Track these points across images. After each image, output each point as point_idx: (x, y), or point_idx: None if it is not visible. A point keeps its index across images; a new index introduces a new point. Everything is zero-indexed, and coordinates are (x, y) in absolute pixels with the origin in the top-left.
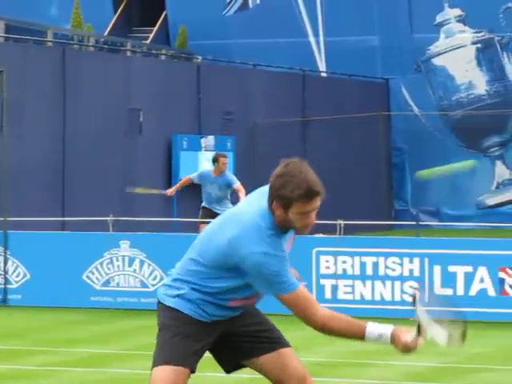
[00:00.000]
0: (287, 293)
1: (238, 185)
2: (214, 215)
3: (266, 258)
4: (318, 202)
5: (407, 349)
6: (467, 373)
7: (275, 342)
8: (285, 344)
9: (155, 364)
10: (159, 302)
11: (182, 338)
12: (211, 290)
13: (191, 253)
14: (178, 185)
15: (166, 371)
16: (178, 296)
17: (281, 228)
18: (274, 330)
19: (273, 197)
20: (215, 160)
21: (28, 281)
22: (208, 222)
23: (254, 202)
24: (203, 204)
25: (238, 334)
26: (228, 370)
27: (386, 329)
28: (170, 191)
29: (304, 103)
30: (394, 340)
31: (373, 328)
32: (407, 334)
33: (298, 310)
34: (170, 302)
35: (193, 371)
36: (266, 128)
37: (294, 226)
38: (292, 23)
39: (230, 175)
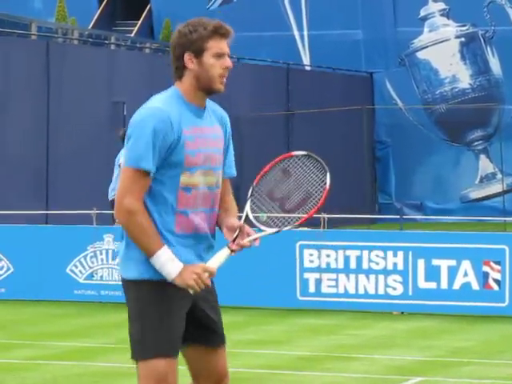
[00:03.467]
0: (124, 163)
1: None
2: None
3: (143, 110)
4: (228, 46)
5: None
6: (450, 366)
7: (218, 336)
8: (223, 341)
9: (140, 356)
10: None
11: (160, 322)
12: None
13: None
14: None
15: (155, 364)
16: (126, 260)
17: (194, 98)
18: (220, 322)
19: (182, 48)
20: None
21: (11, 274)
22: None
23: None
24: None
25: (194, 311)
26: None
27: (174, 268)
28: None
29: (288, 97)
30: (175, 280)
31: (162, 258)
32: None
33: (118, 187)
34: (125, 275)
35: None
36: (249, 122)
37: (211, 77)
38: (276, 17)
39: None
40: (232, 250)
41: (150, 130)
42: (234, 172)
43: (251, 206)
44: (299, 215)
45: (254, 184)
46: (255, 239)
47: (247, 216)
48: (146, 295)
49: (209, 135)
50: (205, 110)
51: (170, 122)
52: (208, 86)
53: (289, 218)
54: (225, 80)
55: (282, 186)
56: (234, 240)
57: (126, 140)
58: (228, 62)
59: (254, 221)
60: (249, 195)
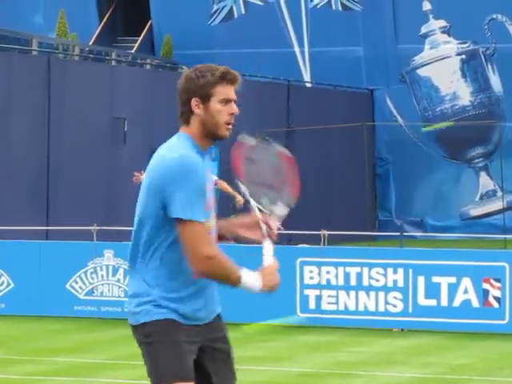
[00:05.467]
0: (185, 217)
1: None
2: None
3: (183, 159)
4: (235, 92)
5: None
6: (450, 383)
7: (227, 379)
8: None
9: (167, 380)
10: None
11: (177, 351)
12: (163, 253)
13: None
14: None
15: None
16: (142, 304)
17: (201, 143)
18: (232, 361)
19: (189, 93)
20: None
21: (12, 290)
22: None
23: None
24: None
25: (205, 352)
26: None
27: (256, 281)
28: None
29: (289, 113)
30: (262, 289)
31: (248, 280)
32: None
33: (188, 243)
34: (137, 319)
35: None
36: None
37: (217, 123)
38: (277, 33)
39: None
40: (273, 239)
41: (195, 181)
42: None
43: (252, 198)
44: (289, 189)
45: (241, 179)
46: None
47: (256, 206)
48: (160, 330)
49: (210, 179)
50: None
51: (203, 170)
52: (214, 133)
53: (283, 195)
54: (230, 127)
55: (257, 173)
56: (267, 230)
57: (171, 188)
58: (234, 108)
59: (263, 208)
60: (243, 189)
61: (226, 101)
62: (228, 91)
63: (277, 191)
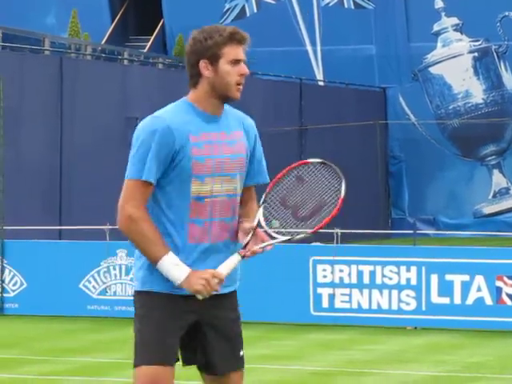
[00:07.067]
0: (125, 178)
1: None
2: None
3: (145, 122)
4: (244, 52)
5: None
6: (464, 381)
7: (231, 362)
8: (238, 367)
9: (136, 363)
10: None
11: (154, 330)
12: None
13: None
14: None
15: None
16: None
17: (207, 106)
18: (227, 350)
19: (197, 55)
20: None
21: (25, 290)
22: None
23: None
24: None
25: (206, 332)
26: (184, 362)
27: (181, 273)
28: None
29: (301, 112)
30: (182, 285)
31: (168, 263)
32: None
33: (120, 197)
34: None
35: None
36: (263, 136)
37: (227, 84)
38: (289, 32)
39: None
40: (243, 256)
41: (148, 141)
42: (263, 179)
43: (263, 213)
44: (312, 223)
45: (267, 191)
46: (267, 245)
47: (259, 222)
48: (144, 304)
49: (223, 141)
50: (220, 117)
51: (171, 130)
52: (224, 94)
53: (301, 226)
54: (241, 87)
55: (295, 194)
56: (245, 245)
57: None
58: (244, 68)
59: (265, 228)
60: (261, 202)
61: (235, 61)
62: (237, 51)
63: (297, 219)
